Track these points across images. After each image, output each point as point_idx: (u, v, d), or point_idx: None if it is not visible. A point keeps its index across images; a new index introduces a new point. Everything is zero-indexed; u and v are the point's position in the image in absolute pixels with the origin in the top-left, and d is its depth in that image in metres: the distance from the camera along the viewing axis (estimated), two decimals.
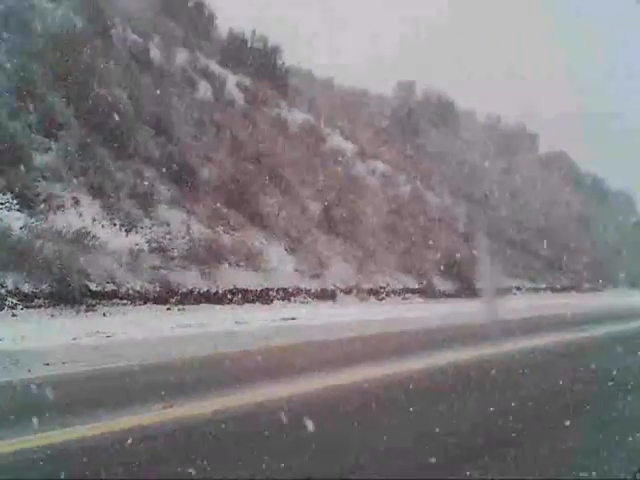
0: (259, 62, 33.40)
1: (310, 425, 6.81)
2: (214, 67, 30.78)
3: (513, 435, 6.73)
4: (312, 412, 7.49)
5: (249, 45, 34.20)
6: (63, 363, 10.18)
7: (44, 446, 6.02)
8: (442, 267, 28.39)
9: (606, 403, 8.50)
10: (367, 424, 7.11)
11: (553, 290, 36.44)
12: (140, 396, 8.02)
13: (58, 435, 6.36)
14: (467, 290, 28.56)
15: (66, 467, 5.56)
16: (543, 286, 35.96)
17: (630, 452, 6.45)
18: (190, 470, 5.49)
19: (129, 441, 6.15)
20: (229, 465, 5.68)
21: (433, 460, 5.85)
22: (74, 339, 11.94)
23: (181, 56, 29.16)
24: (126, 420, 6.85)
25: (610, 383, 9.36)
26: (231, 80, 30.96)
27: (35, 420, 6.62)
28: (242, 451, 6.08)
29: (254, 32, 34.22)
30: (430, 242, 29.48)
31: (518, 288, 33.29)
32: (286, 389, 8.51)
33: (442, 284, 28.03)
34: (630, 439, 6.73)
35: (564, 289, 37.66)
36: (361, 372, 9.81)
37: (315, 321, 17.39)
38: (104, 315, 14.75)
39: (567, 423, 7.02)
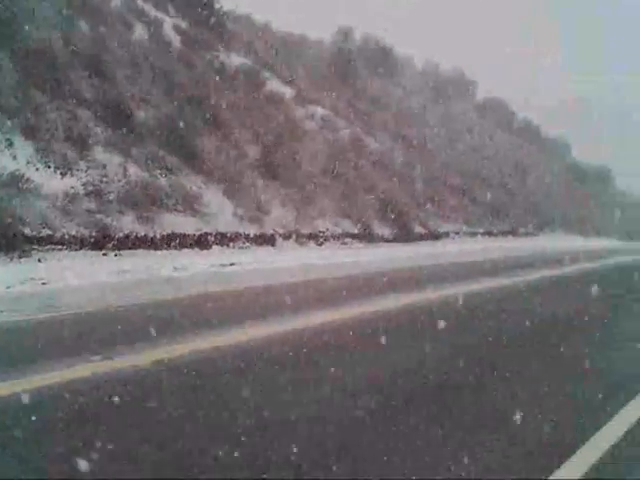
0: (196, 5, 32.84)
1: (247, 372, 6.84)
2: (150, 9, 30.16)
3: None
4: (248, 360, 7.50)
5: None
6: None
7: None
8: (381, 212, 28.50)
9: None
10: (308, 372, 7.15)
11: (490, 234, 36.86)
12: (76, 348, 7.88)
13: None
14: (405, 235, 28.72)
15: None
16: (480, 231, 36.30)
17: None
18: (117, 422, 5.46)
19: (65, 396, 6.05)
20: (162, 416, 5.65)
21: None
22: (7, 287, 11.69)
23: None
24: (61, 374, 6.71)
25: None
26: (168, 23, 30.41)
27: None
28: (180, 402, 6.04)
29: None
30: (369, 187, 29.55)
31: (456, 233, 33.58)
32: (222, 338, 8.46)
33: (381, 229, 28.13)
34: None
35: (501, 233, 38.15)
36: (301, 320, 9.83)
37: (254, 266, 17.37)
38: (39, 261, 14.48)
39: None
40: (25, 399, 5.82)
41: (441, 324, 8.90)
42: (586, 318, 10.82)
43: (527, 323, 9.95)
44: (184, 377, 6.72)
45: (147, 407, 5.81)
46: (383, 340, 8.22)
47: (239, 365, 7.20)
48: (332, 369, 7.04)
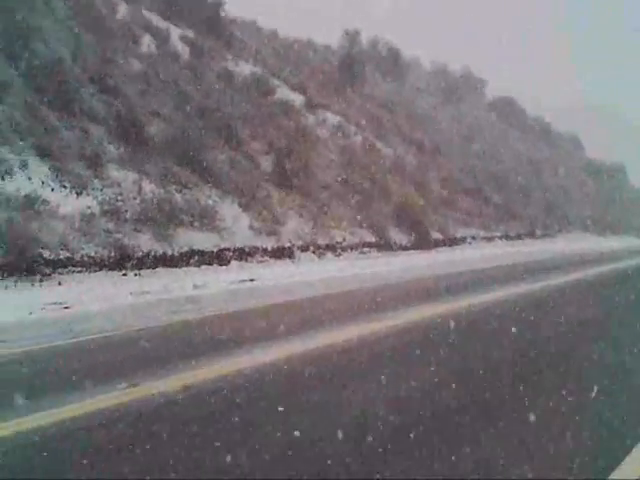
0: (202, 15, 32.69)
1: (272, 396, 6.63)
2: (156, 21, 29.99)
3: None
4: (272, 383, 7.29)
5: None
6: (20, 339, 9.78)
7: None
8: (397, 219, 28.25)
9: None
10: (340, 390, 6.93)
11: (507, 238, 36.56)
12: (101, 375, 7.68)
13: (12, 426, 5.94)
14: (422, 241, 28.44)
15: (20, 460, 5.26)
16: (497, 234, 36.03)
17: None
18: (156, 457, 5.24)
19: (90, 429, 5.84)
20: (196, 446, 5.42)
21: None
22: (30, 313, 11.47)
23: (123, 11, 28.32)
24: (86, 404, 6.50)
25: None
26: (175, 33, 30.25)
27: None
28: (212, 430, 5.82)
29: None
30: (384, 193, 29.32)
31: (473, 237, 33.29)
32: (246, 359, 8.26)
33: (398, 236, 27.89)
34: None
35: (518, 236, 37.87)
36: (324, 337, 9.61)
37: (274, 281, 17.11)
38: (59, 284, 14.27)
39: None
40: (50, 433, 5.64)
41: (468, 338, 8.71)
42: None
43: (556, 333, 9.76)
44: (210, 404, 6.53)
45: (176, 438, 5.60)
46: (409, 357, 8.07)
47: (264, 389, 7.03)
48: (355, 389, 6.91)
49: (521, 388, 7.04)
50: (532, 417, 6.00)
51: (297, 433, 5.61)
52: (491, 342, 9.51)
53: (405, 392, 6.97)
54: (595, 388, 6.85)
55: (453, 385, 7.09)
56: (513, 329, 9.88)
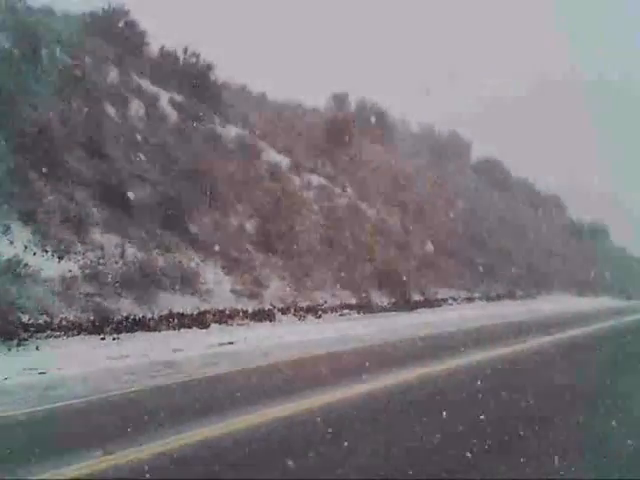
0: (192, 79, 33.20)
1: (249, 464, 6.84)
2: (146, 85, 30.48)
3: None
4: (251, 449, 7.51)
5: (181, 62, 34.00)
6: None
7: None
8: (379, 280, 28.49)
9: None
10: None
11: (488, 299, 36.74)
12: (75, 442, 7.88)
13: None
14: (403, 303, 28.67)
15: None
16: (478, 295, 36.24)
17: None
18: None
19: None
20: None
21: None
22: (5, 379, 11.68)
23: (113, 75, 28.80)
24: (59, 473, 6.68)
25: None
26: (164, 97, 30.70)
27: None
28: None
29: (186, 49, 34.02)
30: (366, 255, 29.60)
31: (453, 298, 33.52)
32: (223, 425, 8.47)
33: (379, 298, 28.12)
34: None
35: (498, 297, 38.07)
36: (307, 400, 9.91)
37: (253, 344, 17.27)
38: (37, 349, 14.44)
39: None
40: None
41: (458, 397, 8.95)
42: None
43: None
44: (187, 471, 6.71)
45: None
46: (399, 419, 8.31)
47: (249, 454, 7.23)
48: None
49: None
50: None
51: None
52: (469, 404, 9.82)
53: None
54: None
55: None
56: (491, 394, 10.24)
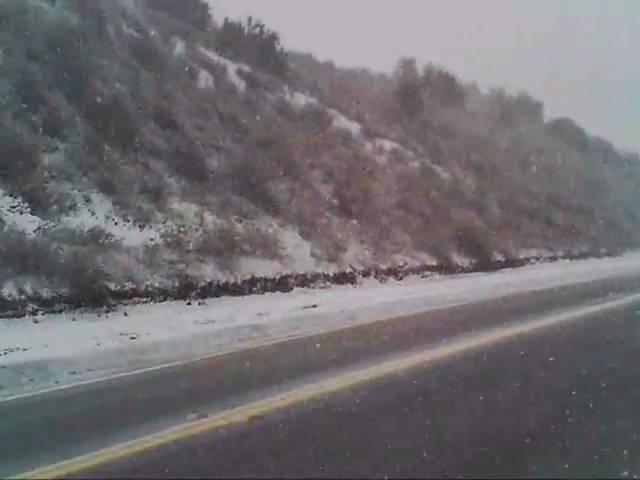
0: (258, 49, 33.08)
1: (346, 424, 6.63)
2: (213, 56, 30.45)
3: None
4: (344, 411, 7.30)
5: (246, 32, 33.87)
6: (89, 370, 10.02)
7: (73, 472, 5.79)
8: (458, 242, 28.05)
9: None
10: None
11: (571, 257, 36.02)
12: (170, 406, 7.80)
13: (90, 459, 6.06)
14: (484, 263, 28.24)
15: None
16: (560, 254, 35.51)
17: None
18: None
19: (160, 461, 5.89)
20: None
21: None
22: (98, 344, 11.68)
23: (179, 47, 28.84)
24: (156, 437, 6.57)
25: None
26: (231, 68, 30.65)
27: (57, 445, 6.42)
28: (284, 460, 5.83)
29: (250, 19, 33.89)
30: (444, 217, 29.22)
31: (536, 258, 32.93)
32: (316, 387, 8.29)
33: (459, 259, 27.69)
34: None
35: (582, 255, 37.26)
36: (398, 361, 9.70)
37: (337, 307, 17.07)
38: (125, 315, 14.52)
39: None
40: (122, 467, 5.71)
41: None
42: None
43: None
44: (281, 434, 6.53)
45: (247, 470, 5.67)
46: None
47: (338, 417, 7.02)
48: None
49: None
50: None
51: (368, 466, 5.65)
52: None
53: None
54: None
55: None
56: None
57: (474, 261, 28.04)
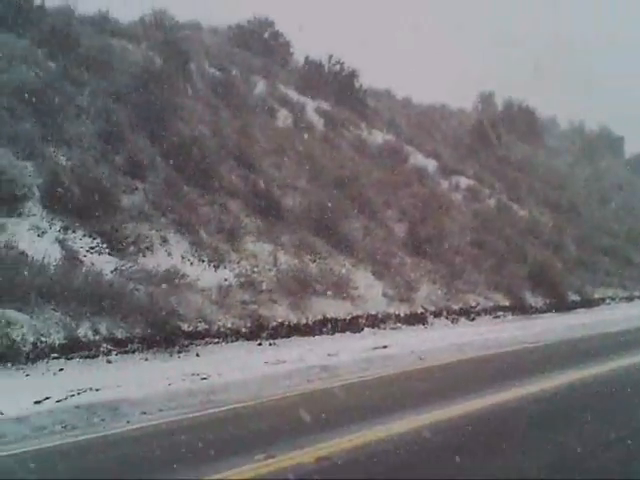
0: (337, 86, 33.52)
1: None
2: (293, 94, 30.98)
3: None
4: (423, 452, 7.48)
5: (326, 70, 34.35)
6: (160, 411, 10.36)
7: None
8: (532, 281, 27.84)
9: None
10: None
11: None
12: (238, 446, 8.05)
13: None
14: (559, 303, 27.98)
15: None
16: (637, 294, 34.86)
17: None
18: None
19: None
20: None
21: None
22: (169, 384, 12.03)
23: (260, 86, 29.43)
24: (227, 476, 6.84)
25: None
26: (310, 106, 31.17)
27: None
28: None
29: (330, 57, 34.38)
30: (518, 255, 29.03)
31: (611, 298, 32.43)
32: (384, 429, 8.46)
33: (533, 299, 27.47)
34: None
35: None
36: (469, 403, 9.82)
37: (408, 348, 17.18)
38: (197, 355, 14.89)
39: None
40: None
41: None
42: None
43: None
44: (345, 476, 6.73)
45: None
46: None
47: (408, 458, 7.20)
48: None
49: None
50: None
51: None
52: None
53: None
54: None
55: None
56: None
57: (548, 301, 27.77)
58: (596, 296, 31.05)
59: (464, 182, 34.26)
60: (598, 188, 44.32)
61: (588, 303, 29.81)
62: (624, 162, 57.64)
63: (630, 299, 33.48)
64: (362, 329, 19.63)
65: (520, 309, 26.23)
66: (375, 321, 20.36)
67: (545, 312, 27.07)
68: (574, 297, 29.47)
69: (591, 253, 34.44)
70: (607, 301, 31.69)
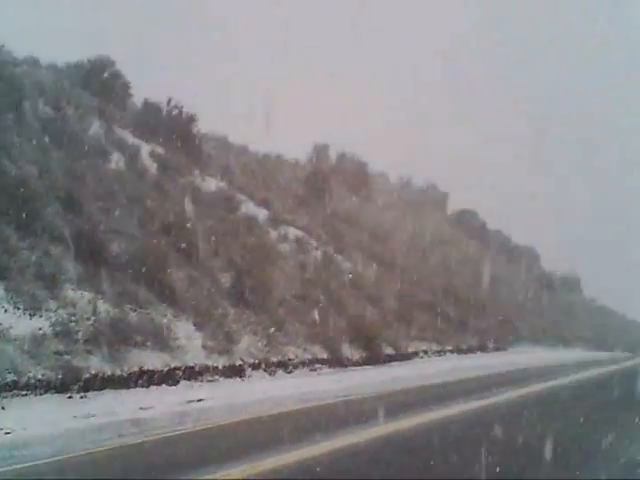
0: (174, 131, 33.72)
1: None
2: (128, 137, 30.99)
3: None
4: None
5: (164, 113, 34.56)
6: None
7: None
8: (350, 334, 28.72)
9: None
10: None
11: (459, 351, 36.99)
12: None
13: None
14: (374, 356, 28.94)
15: None
16: (449, 348, 36.44)
17: None
18: None
19: None
20: None
21: None
22: None
23: (95, 128, 29.30)
24: None
25: None
26: (145, 149, 31.21)
27: None
28: None
29: (169, 101, 34.63)
30: (340, 309, 29.89)
31: (425, 351, 33.79)
32: None
33: (350, 351, 28.31)
34: None
35: (470, 350, 38.33)
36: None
37: (221, 401, 17.56)
38: (3, 408, 14.69)
39: None
40: None
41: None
42: None
43: None
44: None
45: None
46: None
47: None
48: None
49: None
50: None
51: None
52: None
53: None
54: None
55: None
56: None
57: (364, 354, 28.73)
58: (410, 350, 32.31)
59: (293, 233, 35.02)
60: (420, 243, 46.01)
61: (402, 357, 31.00)
62: (447, 218, 60.18)
63: (442, 353, 35.04)
64: (178, 381, 19.72)
65: (337, 362, 26.94)
66: (192, 373, 20.48)
67: (361, 365, 27.96)
68: (389, 350, 30.58)
69: (408, 307, 35.76)
70: (420, 355, 33.04)
